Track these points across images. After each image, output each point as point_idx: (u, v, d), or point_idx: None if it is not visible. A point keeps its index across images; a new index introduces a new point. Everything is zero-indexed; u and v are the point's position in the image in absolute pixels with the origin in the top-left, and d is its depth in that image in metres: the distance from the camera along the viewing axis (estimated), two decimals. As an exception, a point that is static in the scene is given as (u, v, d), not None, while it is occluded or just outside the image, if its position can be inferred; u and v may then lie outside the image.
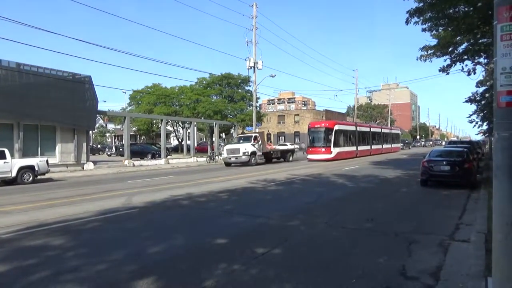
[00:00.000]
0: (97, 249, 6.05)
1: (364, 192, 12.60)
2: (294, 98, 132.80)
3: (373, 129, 44.04)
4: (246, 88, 45.60)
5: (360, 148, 38.26)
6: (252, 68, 33.76)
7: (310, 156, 32.50)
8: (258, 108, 48.70)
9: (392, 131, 52.51)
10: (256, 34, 34.02)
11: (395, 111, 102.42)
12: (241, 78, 44.92)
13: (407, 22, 12.83)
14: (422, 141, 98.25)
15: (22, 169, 17.19)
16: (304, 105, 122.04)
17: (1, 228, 7.65)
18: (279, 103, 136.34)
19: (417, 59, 16.90)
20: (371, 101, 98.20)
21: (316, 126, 33.86)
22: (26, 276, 4.83)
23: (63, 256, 5.69)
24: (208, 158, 33.46)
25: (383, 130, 48.15)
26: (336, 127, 33.04)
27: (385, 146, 47.20)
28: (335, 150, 31.98)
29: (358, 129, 38.74)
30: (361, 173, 19.13)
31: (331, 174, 18.77)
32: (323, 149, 31.76)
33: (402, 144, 60.04)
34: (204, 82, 45.79)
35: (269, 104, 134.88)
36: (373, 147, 42.83)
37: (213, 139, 38.94)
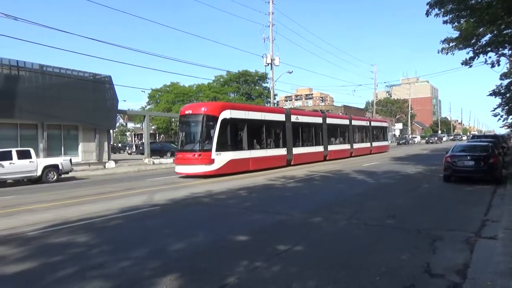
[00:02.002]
0: (120, 246, 6.16)
1: (385, 188, 12.42)
2: (312, 94, 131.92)
3: (331, 121, 28.48)
4: (264, 85, 45.79)
5: (297, 150, 23.34)
6: (269, 65, 33.61)
7: (178, 168, 18.01)
8: (276, 105, 48.60)
9: (373, 124, 36.83)
10: (273, 31, 33.82)
11: (415, 106, 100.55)
12: (258, 75, 45.03)
13: (427, 14, 12.58)
14: (414, 136, 73.60)
15: (47, 168, 17.66)
16: (322, 101, 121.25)
17: (28, 226, 7.89)
18: (296, 100, 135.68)
19: (438, 52, 16.65)
20: (391, 96, 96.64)
21: (187, 112, 18.47)
22: (53, 272, 4.95)
23: (87, 253, 5.81)
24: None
25: (355, 122, 32.35)
26: (225, 115, 17.77)
27: (357, 145, 32.34)
28: (221, 158, 17.40)
29: (294, 120, 23.30)
30: (381, 169, 18.87)
31: (351, 171, 18.62)
32: (197, 155, 17.12)
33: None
34: (221, 80, 46.11)
35: (287, 101, 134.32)
36: (331, 147, 27.78)
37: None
